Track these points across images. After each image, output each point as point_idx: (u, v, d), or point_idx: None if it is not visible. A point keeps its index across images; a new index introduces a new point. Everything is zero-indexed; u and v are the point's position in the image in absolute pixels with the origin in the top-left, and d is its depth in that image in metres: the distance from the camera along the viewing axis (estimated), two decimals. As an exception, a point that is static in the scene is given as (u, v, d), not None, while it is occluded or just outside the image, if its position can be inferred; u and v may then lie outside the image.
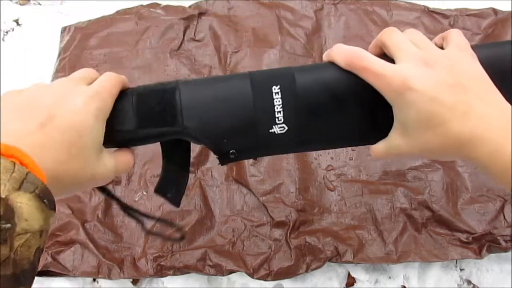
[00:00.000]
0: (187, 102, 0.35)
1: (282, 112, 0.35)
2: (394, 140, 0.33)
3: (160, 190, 0.40)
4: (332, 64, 0.34)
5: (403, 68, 0.30)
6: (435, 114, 0.29)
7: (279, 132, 0.35)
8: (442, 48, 0.33)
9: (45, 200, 0.24)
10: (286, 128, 0.35)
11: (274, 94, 0.35)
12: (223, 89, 0.36)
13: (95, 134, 0.30)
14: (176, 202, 0.40)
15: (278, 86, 0.35)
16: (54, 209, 0.25)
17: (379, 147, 0.35)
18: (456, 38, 0.32)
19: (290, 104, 0.35)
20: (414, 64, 0.30)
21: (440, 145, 0.30)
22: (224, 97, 0.35)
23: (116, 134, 0.34)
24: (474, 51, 0.32)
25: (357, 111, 0.35)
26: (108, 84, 0.33)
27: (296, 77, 0.35)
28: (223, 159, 0.37)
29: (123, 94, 0.35)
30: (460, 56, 0.31)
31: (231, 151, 0.36)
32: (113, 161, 0.33)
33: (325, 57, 0.35)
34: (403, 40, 0.32)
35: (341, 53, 0.33)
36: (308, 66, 0.37)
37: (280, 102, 0.35)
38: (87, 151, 0.30)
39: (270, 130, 0.35)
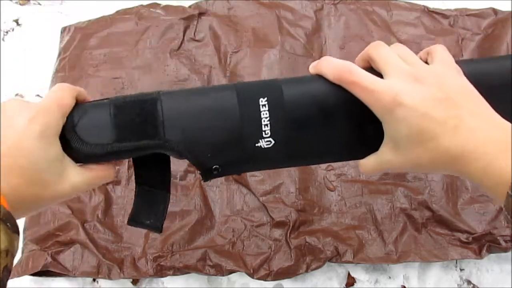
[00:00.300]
0: (169, 114, 0.33)
1: (269, 125, 0.33)
2: (384, 155, 0.32)
3: (136, 219, 0.37)
4: (320, 77, 0.34)
5: (393, 84, 0.30)
6: (426, 129, 0.29)
7: (265, 146, 0.34)
8: (427, 63, 0.33)
9: (8, 224, 0.24)
10: (273, 142, 0.34)
11: (261, 106, 0.33)
12: (208, 101, 0.34)
13: (47, 154, 0.29)
14: (157, 228, 0.38)
15: (265, 99, 0.33)
16: (18, 233, 0.25)
17: (369, 161, 0.34)
18: (441, 53, 0.32)
19: (277, 117, 0.33)
20: (403, 79, 0.30)
21: (431, 160, 0.30)
22: (209, 109, 0.33)
23: (93, 148, 0.32)
24: (460, 66, 0.32)
25: (346, 125, 0.34)
26: (54, 96, 0.31)
27: (283, 90, 0.34)
28: (206, 175, 0.35)
29: (101, 105, 0.33)
30: (446, 71, 0.31)
31: (214, 167, 0.34)
32: (82, 177, 0.32)
33: (312, 69, 0.34)
34: (391, 55, 0.32)
35: (330, 66, 0.32)
36: (296, 78, 0.35)
37: (267, 115, 0.33)
38: (42, 173, 0.29)
39: (257, 144, 0.34)
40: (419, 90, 0.29)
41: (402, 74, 0.30)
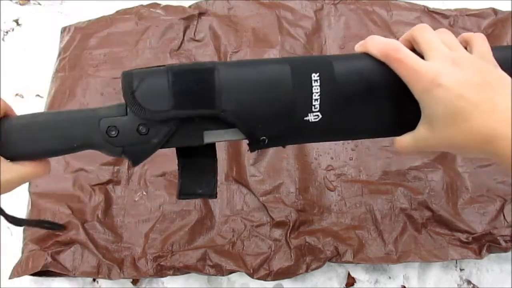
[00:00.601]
0: (226, 84, 0.33)
1: (319, 100, 0.34)
2: (420, 134, 0.34)
3: (187, 191, 0.38)
4: (367, 55, 0.34)
5: (434, 65, 0.31)
6: (460, 110, 0.30)
7: (313, 120, 0.35)
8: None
9: None
10: (320, 116, 0.35)
11: (313, 81, 0.34)
12: (263, 73, 0.34)
13: None
14: (212, 195, 0.39)
15: (317, 74, 0.34)
16: None
17: (405, 139, 0.35)
18: (480, 46, 0.34)
19: (327, 92, 0.34)
20: (444, 62, 0.31)
21: (464, 141, 0.31)
22: (264, 81, 0.34)
23: (151, 114, 0.32)
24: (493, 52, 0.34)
25: (388, 102, 0.35)
26: None
27: (334, 66, 0.34)
28: (254, 146, 0.36)
29: (158, 71, 0.33)
30: (484, 62, 0.33)
31: (262, 138, 0.35)
32: (14, 173, 0.33)
33: (358, 48, 0.35)
34: (435, 39, 0.33)
35: (377, 44, 0.33)
36: (345, 55, 0.36)
37: (318, 90, 0.34)
38: None
39: (305, 118, 0.34)
40: (457, 73, 0.31)
41: (443, 57, 0.32)
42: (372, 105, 0.35)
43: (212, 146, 0.38)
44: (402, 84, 0.33)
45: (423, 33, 0.34)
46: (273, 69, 0.34)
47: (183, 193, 0.38)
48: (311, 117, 0.35)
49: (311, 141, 0.39)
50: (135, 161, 0.35)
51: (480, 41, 0.34)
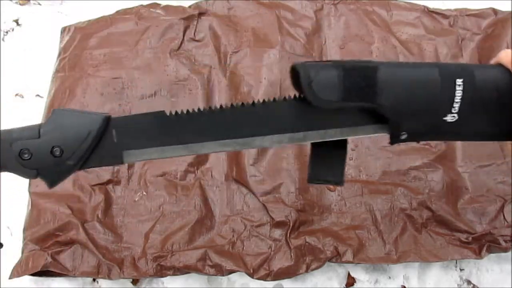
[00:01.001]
0: (386, 82, 0.37)
1: (459, 103, 0.38)
2: None
3: (317, 177, 0.42)
4: (500, 66, 0.39)
5: None
6: None
7: (449, 120, 0.38)
8: None
9: None
10: (456, 118, 0.38)
11: (457, 86, 0.38)
12: (418, 74, 0.38)
13: None
14: (340, 182, 0.42)
15: (461, 80, 0.38)
16: None
17: None
18: None
19: (466, 96, 0.38)
20: None
21: None
22: (417, 81, 0.38)
23: (323, 102, 0.36)
24: None
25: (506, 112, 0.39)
26: None
27: (475, 74, 0.38)
28: (394, 139, 0.39)
29: (329, 66, 0.37)
30: None
31: (403, 132, 0.39)
32: None
33: (492, 62, 0.39)
34: None
35: (508, 55, 0.37)
36: (481, 65, 0.41)
37: (460, 94, 0.38)
38: None
39: (444, 118, 0.38)
40: None
41: None
42: (501, 111, 0.39)
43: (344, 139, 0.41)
44: None
45: None
46: (426, 71, 0.38)
47: (314, 179, 0.42)
48: (448, 118, 0.38)
49: (440, 139, 0.44)
50: (51, 183, 0.38)
51: None
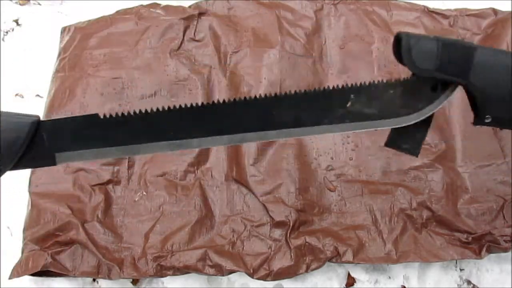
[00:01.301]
0: (482, 63, 0.39)
1: None
2: None
3: (395, 142, 0.43)
4: None
5: None
6: None
7: None
8: None
9: None
10: None
11: None
12: (508, 60, 0.40)
13: None
14: (415, 153, 0.44)
15: None
16: None
17: None
18: None
19: None
20: None
21: None
22: (507, 67, 0.40)
23: (419, 70, 0.39)
24: None
25: None
26: None
27: None
28: (479, 121, 0.42)
29: (430, 38, 0.39)
30: None
31: (487, 116, 0.42)
32: None
33: None
34: None
35: None
36: None
37: None
38: None
39: None
40: None
41: None
42: None
43: (430, 117, 0.42)
44: None
45: None
46: None
47: (392, 143, 0.43)
48: None
49: None
50: None
51: None
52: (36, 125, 0.36)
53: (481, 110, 0.42)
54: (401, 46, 0.39)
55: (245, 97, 0.38)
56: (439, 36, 0.39)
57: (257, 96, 0.38)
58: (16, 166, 0.36)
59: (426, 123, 0.43)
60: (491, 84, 0.40)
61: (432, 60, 0.39)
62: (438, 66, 0.39)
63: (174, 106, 0.37)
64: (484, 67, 0.40)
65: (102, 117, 0.37)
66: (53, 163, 0.38)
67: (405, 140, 0.43)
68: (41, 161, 0.38)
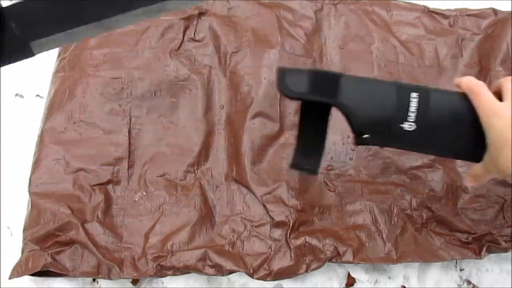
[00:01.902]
0: (347, 85, 0.45)
1: (415, 113, 0.44)
2: (485, 161, 0.43)
3: (296, 164, 0.48)
4: (455, 92, 0.45)
5: (504, 104, 0.40)
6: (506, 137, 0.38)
7: (407, 128, 0.44)
8: None
9: None
10: (414, 127, 0.44)
11: (412, 98, 0.44)
12: (374, 85, 0.47)
13: None
14: (315, 172, 0.49)
15: (417, 94, 0.44)
16: None
17: (475, 169, 0.45)
18: None
19: (422, 109, 0.44)
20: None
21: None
22: (375, 88, 0.46)
23: (293, 93, 0.45)
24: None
25: (465, 131, 0.44)
26: None
27: (430, 92, 0.45)
28: (358, 140, 0.46)
29: (302, 70, 0.46)
30: None
31: (366, 135, 0.46)
32: None
33: (455, 81, 0.46)
34: None
35: (467, 80, 0.44)
36: (439, 89, 0.47)
37: (415, 106, 0.44)
38: None
39: (401, 125, 0.44)
40: None
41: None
42: (454, 130, 0.45)
43: (324, 135, 0.49)
44: (475, 118, 0.42)
45: (506, 82, 0.42)
46: (382, 83, 0.47)
47: (292, 165, 0.49)
48: (406, 125, 0.44)
49: (403, 148, 0.48)
50: None
51: None
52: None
53: (357, 129, 0.46)
54: (278, 75, 0.45)
55: None
56: (311, 68, 0.47)
57: None
58: None
59: (322, 145, 0.49)
60: (359, 101, 0.45)
61: (304, 85, 0.45)
62: (309, 90, 0.45)
63: None
64: (350, 88, 0.45)
65: None
66: (30, 53, 0.36)
67: (305, 159, 0.49)
68: (18, 54, 0.36)
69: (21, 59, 0.37)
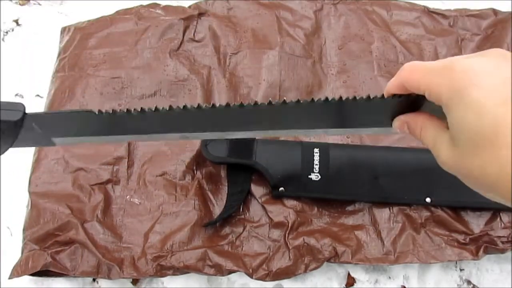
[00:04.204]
0: (260, 147, 0.57)
1: (318, 165, 0.56)
2: (440, 153, 0.27)
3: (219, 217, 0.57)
4: (351, 146, 0.59)
5: (464, 60, 0.25)
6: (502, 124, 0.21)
7: (314, 178, 0.56)
8: None
9: None
10: (320, 177, 0.56)
11: (314, 153, 0.57)
12: (284, 143, 0.59)
13: None
14: (209, 224, 0.57)
15: (318, 149, 0.57)
16: None
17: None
18: None
19: (323, 161, 0.56)
20: (472, 57, 0.26)
21: (499, 172, 0.22)
22: (284, 148, 0.58)
23: (214, 157, 0.57)
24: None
25: (364, 177, 0.57)
26: None
27: (329, 147, 0.58)
28: (275, 192, 0.57)
29: (220, 140, 0.56)
30: None
31: (281, 188, 0.57)
32: None
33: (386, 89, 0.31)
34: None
35: (392, 80, 0.30)
36: (338, 144, 0.60)
37: (318, 159, 0.57)
38: None
39: (309, 176, 0.56)
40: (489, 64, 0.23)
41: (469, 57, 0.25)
42: (354, 177, 0.57)
43: (246, 187, 0.58)
44: (374, 164, 0.56)
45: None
46: (291, 142, 0.59)
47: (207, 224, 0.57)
48: (313, 176, 0.56)
49: (316, 196, 0.57)
50: None
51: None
52: (22, 115, 0.35)
53: (272, 184, 0.56)
54: (202, 145, 0.57)
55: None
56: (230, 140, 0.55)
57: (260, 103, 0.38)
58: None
59: (235, 206, 0.58)
60: (272, 159, 0.56)
61: (224, 151, 0.57)
62: (229, 154, 0.57)
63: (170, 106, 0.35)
64: (263, 149, 0.57)
65: (97, 112, 0.36)
66: (51, 143, 0.38)
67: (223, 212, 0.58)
68: (40, 143, 0.38)
69: (39, 145, 0.41)
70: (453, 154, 0.25)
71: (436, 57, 0.69)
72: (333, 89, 0.66)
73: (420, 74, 0.26)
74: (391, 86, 0.30)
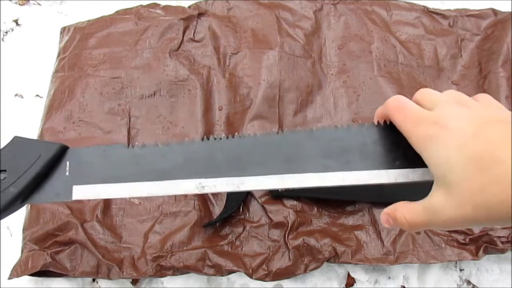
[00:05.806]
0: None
1: None
2: (434, 200, 0.27)
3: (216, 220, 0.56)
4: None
5: (440, 109, 0.29)
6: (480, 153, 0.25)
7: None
8: None
9: None
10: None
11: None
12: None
13: None
14: (209, 225, 0.56)
15: None
16: None
17: (416, 213, 0.29)
18: (483, 97, 0.31)
19: None
20: (450, 105, 0.29)
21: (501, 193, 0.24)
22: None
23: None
24: None
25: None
26: None
27: None
28: (275, 192, 0.58)
29: None
30: (495, 104, 0.30)
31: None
32: None
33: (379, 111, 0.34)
34: (440, 94, 0.31)
35: (380, 109, 0.33)
36: None
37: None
38: None
39: None
40: (466, 112, 0.27)
41: (448, 101, 0.29)
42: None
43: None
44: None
45: (425, 92, 0.31)
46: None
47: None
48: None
49: (316, 197, 0.58)
50: None
51: (484, 95, 0.30)
52: (63, 150, 0.33)
53: None
54: None
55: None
56: None
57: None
58: (29, 197, 0.33)
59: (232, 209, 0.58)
60: None
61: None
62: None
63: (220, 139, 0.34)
64: None
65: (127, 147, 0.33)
66: (69, 197, 0.33)
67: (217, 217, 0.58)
68: (57, 195, 0.33)
69: (56, 201, 0.34)
70: (452, 198, 0.26)
71: (436, 57, 0.69)
72: (333, 89, 0.66)
73: (401, 118, 0.29)
74: (378, 114, 0.33)
